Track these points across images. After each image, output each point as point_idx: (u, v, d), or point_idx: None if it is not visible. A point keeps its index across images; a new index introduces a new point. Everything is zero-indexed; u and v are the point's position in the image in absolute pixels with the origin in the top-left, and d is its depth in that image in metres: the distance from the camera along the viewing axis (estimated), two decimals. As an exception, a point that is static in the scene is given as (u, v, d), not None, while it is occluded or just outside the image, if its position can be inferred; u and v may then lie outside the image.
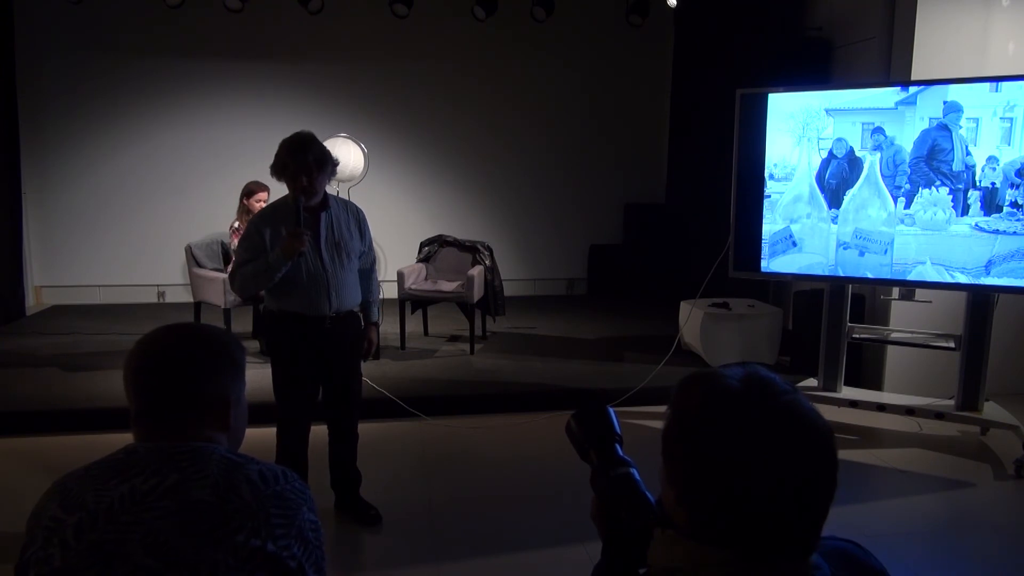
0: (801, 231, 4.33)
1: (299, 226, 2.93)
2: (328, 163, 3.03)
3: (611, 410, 1.14)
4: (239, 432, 1.31)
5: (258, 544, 1.12)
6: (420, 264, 6.19)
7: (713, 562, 0.85)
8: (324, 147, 3.05)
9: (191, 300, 5.86)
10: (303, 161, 2.94)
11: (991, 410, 4.16)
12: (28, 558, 1.13)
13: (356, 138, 6.17)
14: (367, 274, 3.31)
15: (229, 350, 1.30)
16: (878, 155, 4.07)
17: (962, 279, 3.96)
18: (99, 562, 1.09)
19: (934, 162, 3.94)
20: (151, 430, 1.23)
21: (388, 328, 5.96)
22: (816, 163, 4.24)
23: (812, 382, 4.60)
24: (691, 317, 5.48)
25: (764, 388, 0.88)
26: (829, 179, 4.21)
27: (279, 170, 2.99)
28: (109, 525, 1.11)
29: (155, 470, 1.16)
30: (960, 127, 3.87)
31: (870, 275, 4.19)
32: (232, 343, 1.32)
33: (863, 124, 4.09)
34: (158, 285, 7.61)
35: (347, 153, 5.89)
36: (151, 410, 1.24)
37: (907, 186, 4.02)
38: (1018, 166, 3.77)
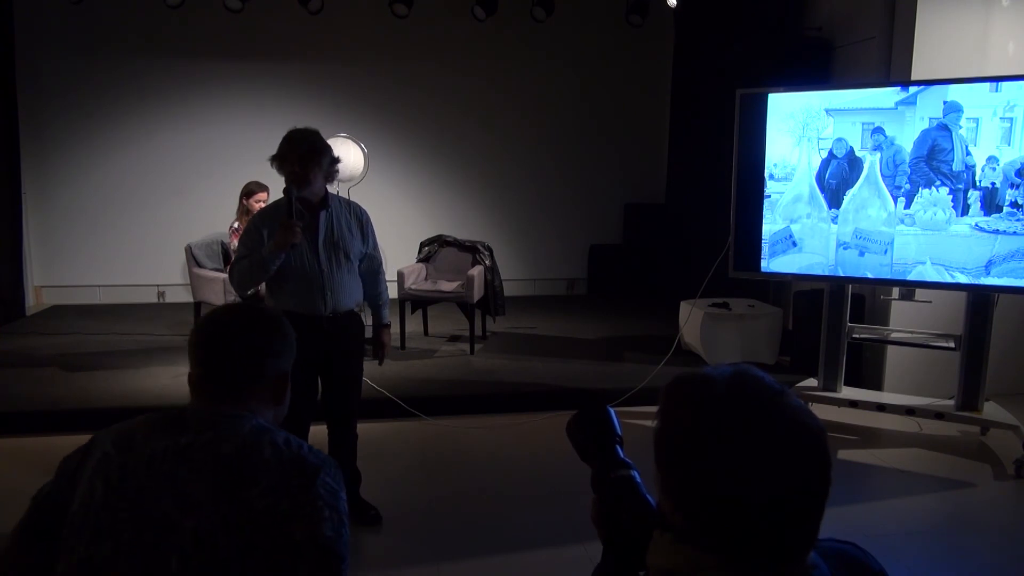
0: (801, 231, 4.33)
1: (291, 218, 2.93)
2: (323, 155, 3.02)
3: (612, 411, 1.14)
4: (286, 407, 1.44)
5: (268, 503, 1.18)
6: (420, 264, 6.19)
7: (711, 565, 0.85)
8: (324, 141, 3.05)
9: (191, 300, 5.86)
10: (297, 149, 2.95)
11: (991, 410, 4.16)
12: (51, 492, 1.27)
13: (356, 138, 6.17)
14: (374, 276, 3.30)
15: (282, 330, 1.44)
16: (878, 155, 4.07)
17: (962, 279, 3.96)
18: (134, 504, 1.19)
19: (934, 162, 3.94)
20: (209, 395, 1.34)
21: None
22: (816, 163, 4.24)
23: (812, 382, 4.60)
24: (691, 317, 5.48)
25: (752, 390, 0.87)
26: (829, 179, 4.21)
27: (278, 159, 3.00)
28: (149, 471, 1.22)
29: (196, 429, 1.26)
30: (960, 127, 3.87)
31: (870, 275, 4.19)
32: (285, 323, 1.46)
33: (863, 124, 4.09)
34: (158, 285, 7.61)
35: (347, 153, 5.89)
36: (210, 382, 1.35)
37: (907, 186, 4.02)
38: (1018, 166, 3.77)
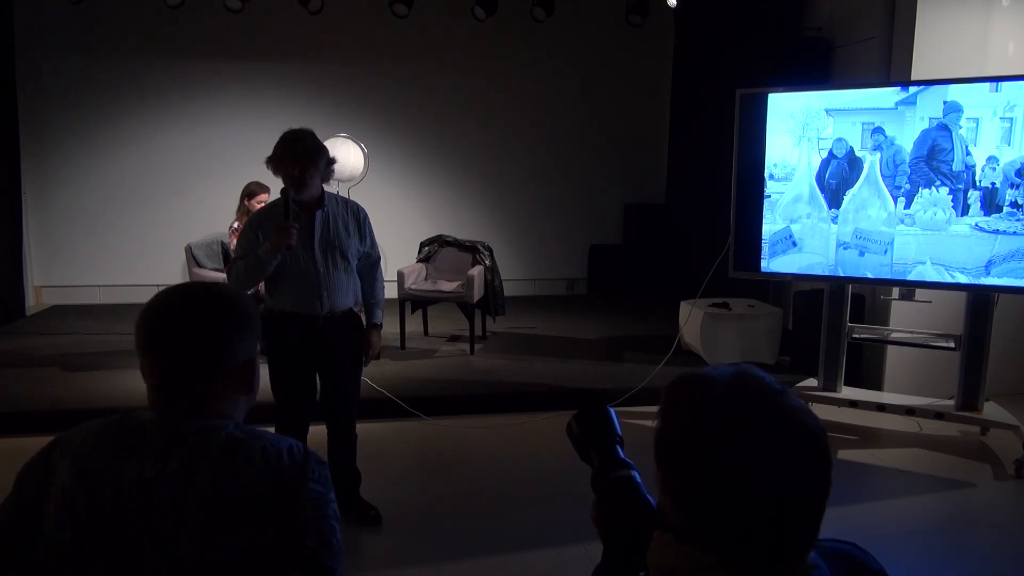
0: (801, 231, 4.33)
1: (287, 219, 2.93)
2: (320, 157, 3.01)
3: (612, 411, 1.14)
4: (257, 392, 1.29)
5: (251, 536, 1.10)
6: (420, 264, 6.19)
7: (711, 565, 0.85)
8: (319, 142, 3.04)
9: (191, 300, 5.86)
10: (294, 152, 2.95)
11: (991, 410, 4.16)
12: (13, 514, 1.16)
13: (356, 138, 6.18)
14: (370, 274, 3.30)
15: (247, 308, 1.25)
16: (878, 155, 4.07)
17: (962, 279, 3.96)
18: (110, 551, 1.10)
19: (934, 162, 3.94)
20: (168, 404, 1.18)
21: (388, 328, 5.93)
22: (816, 163, 4.23)
23: (812, 382, 4.60)
24: (691, 317, 5.48)
25: (752, 390, 0.87)
26: (829, 179, 4.21)
27: (273, 162, 2.99)
28: (118, 510, 1.10)
29: (160, 452, 1.13)
30: (960, 127, 3.87)
31: (870, 275, 4.19)
32: (247, 301, 1.27)
33: (863, 124, 4.09)
34: (158, 285, 7.54)
35: (347, 153, 5.89)
36: (170, 383, 1.18)
37: (907, 186, 4.02)
38: (1018, 166, 3.77)
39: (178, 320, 1.18)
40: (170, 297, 1.22)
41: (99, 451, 1.15)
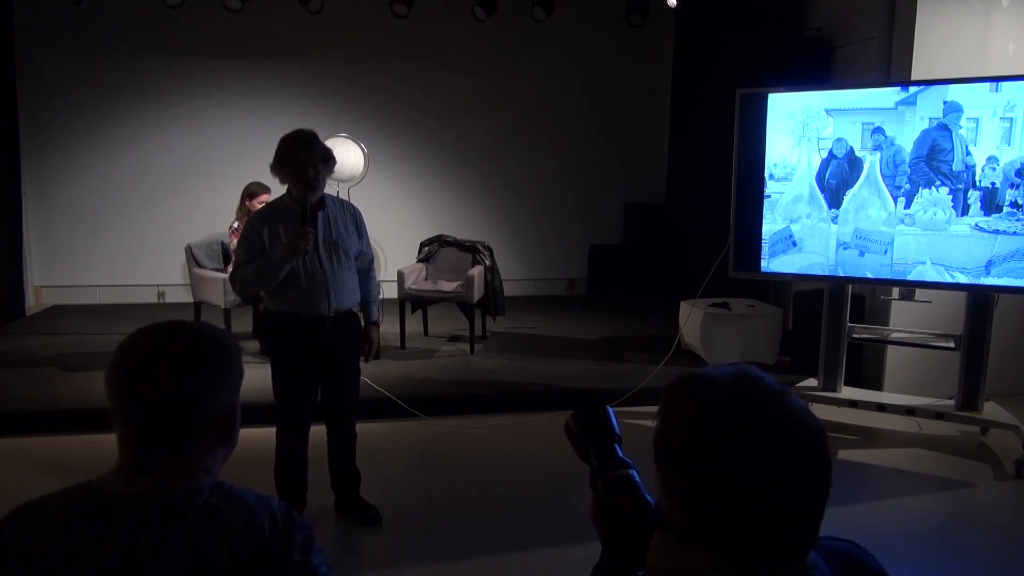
0: (801, 231, 4.33)
1: (305, 223, 2.92)
2: (331, 160, 3.05)
3: (611, 410, 1.14)
4: (236, 442, 1.18)
5: None
6: (420, 264, 6.19)
7: (711, 565, 0.85)
8: (326, 145, 3.06)
9: (191, 300, 5.86)
10: (310, 155, 2.94)
11: (991, 410, 4.16)
12: None
13: (356, 138, 6.18)
14: (365, 273, 3.30)
15: (232, 355, 1.14)
16: (878, 155, 4.07)
17: (962, 279, 3.95)
18: None
19: (934, 162, 3.94)
20: (142, 462, 1.07)
21: (388, 328, 5.95)
22: (816, 163, 4.23)
23: (812, 382, 4.60)
24: (691, 317, 5.48)
25: (752, 390, 0.87)
26: (829, 179, 4.21)
27: (282, 163, 2.96)
28: None
29: (127, 528, 1.01)
30: (960, 127, 3.87)
31: (870, 275, 4.19)
32: (233, 345, 1.16)
33: (863, 124, 4.09)
34: (158, 285, 7.61)
35: (347, 153, 5.89)
36: (145, 437, 1.07)
37: (907, 186, 4.02)
38: (1018, 166, 3.77)
39: (158, 365, 1.06)
40: (148, 339, 1.10)
41: (52, 535, 1.00)
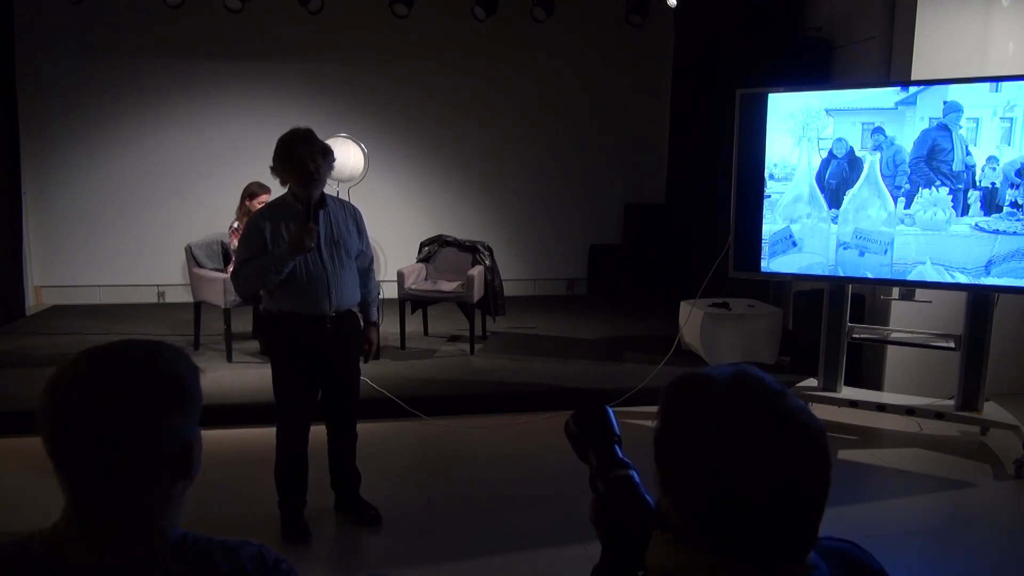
0: (801, 231, 4.33)
1: (309, 221, 2.92)
2: (330, 155, 3.05)
3: (610, 411, 1.14)
4: (198, 469, 1.00)
5: None
6: (420, 264, 6.19)
7: (710, 565, 0.85)
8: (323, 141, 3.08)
9: (191, 300, 5.86)
10: (310, 148, 2.94)
11: (991, 410, 4.16)
12: None
13: (356, 138, 6.18)
14: (365, 274, 3.30)
15: (184, 382, 0.96)
16: (878, 155, 4.07)
17: (962, 279, 3.95)
18: None
19: (934, 162, 3.94)
20: (89, 520, 0.92)
21: (388, 328, 5.95)
22: (816, 163, 4.23)
23: (812, 382, 4.60)
24: (691, 317, 5.48)
25: (753, 390, 0.87)
26: (829, 179, 4.21)
27: (283, 160, 2.96)
28: None
29: None
30: (960, 127, 3.87)
31: (870, 275, 4.19)
32: (184, 367, 0.97)
33: (863, 124, 4.09)
34: (158, 285, 7.61)
35: (347, 153, 5.89)
36: (88, 489, 0.91)
37: (907, 186, 4.02)
38: (1018, 166, 3.77)
39: (99, 401, 0.89)
40: (87, 369, 0.92)
41: None
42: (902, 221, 4.05)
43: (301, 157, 2.93)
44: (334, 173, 3.94)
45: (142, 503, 0.93)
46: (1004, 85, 3.78)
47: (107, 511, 0.92)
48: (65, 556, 0.90)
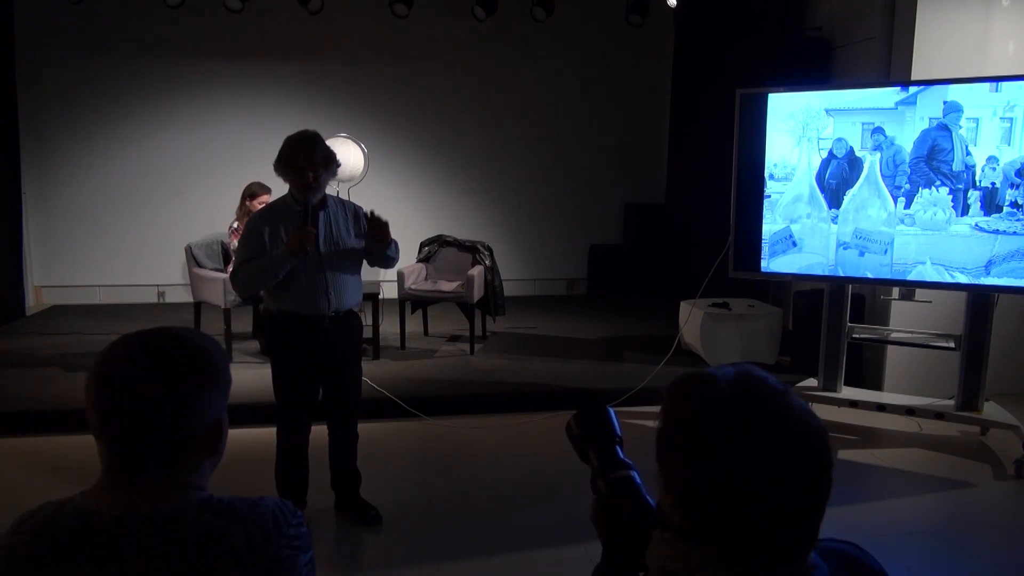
0: (801, 231, 4.33)
1: (306, 223, 2.93)
2: (333, 162, 3.06)
3: (611, 411, 1.14)
4: (223, 453, 1.13)
5: None
6: (420, 264, 6.19)
7: (711, 565, 0.85)
8: (327, 145, 3.06)
9: (191, 300, 5.86)
10: (311, 157, 2.94)
11: (991, 410, 4.16)
12: None
13: (356, 138, 6.18)
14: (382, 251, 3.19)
15: (216, 362, 1.08)
16: (878, 155, 4.07)
17: (962, 279, 3.95)
18: None
19: (934, 162, 3.94)
20: (124, 480, 1.02)
21: (388, 328, 5.96)
22: (816, 163, 4.23)
23: (812, 382, 4.60)
24: (691, 317, 5.48)
25: (755, 390, 0.87)
26: (829, 179, 4.21)
27: (285, 165, 2.97)
28: None
29: (114, 554, 0.96)
30: (960, 127, 3.87)
31: (870, 275, 4.19)
32: (216, 351, 1.10)
33: (863, 124, 4.09)
34: (158, 285, 7.61)
35: (347, 153, 5.88)
36: (127, 454, 1.02)
37: (907, 186, 4.02)
38: (1018, 166, 3.77)
39: (140, 378, 1.01)
40: (130, 348, 1.04)
41: (32, 563, 0.95)
42: (902, 221, 4.05)
43: (301, 167, 2.94)
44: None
45: (175, 468, 1.04)
46: (1004, 85, 3.78)
47: (142, 472, 1.02)
48: (103, 509, 1.00)
